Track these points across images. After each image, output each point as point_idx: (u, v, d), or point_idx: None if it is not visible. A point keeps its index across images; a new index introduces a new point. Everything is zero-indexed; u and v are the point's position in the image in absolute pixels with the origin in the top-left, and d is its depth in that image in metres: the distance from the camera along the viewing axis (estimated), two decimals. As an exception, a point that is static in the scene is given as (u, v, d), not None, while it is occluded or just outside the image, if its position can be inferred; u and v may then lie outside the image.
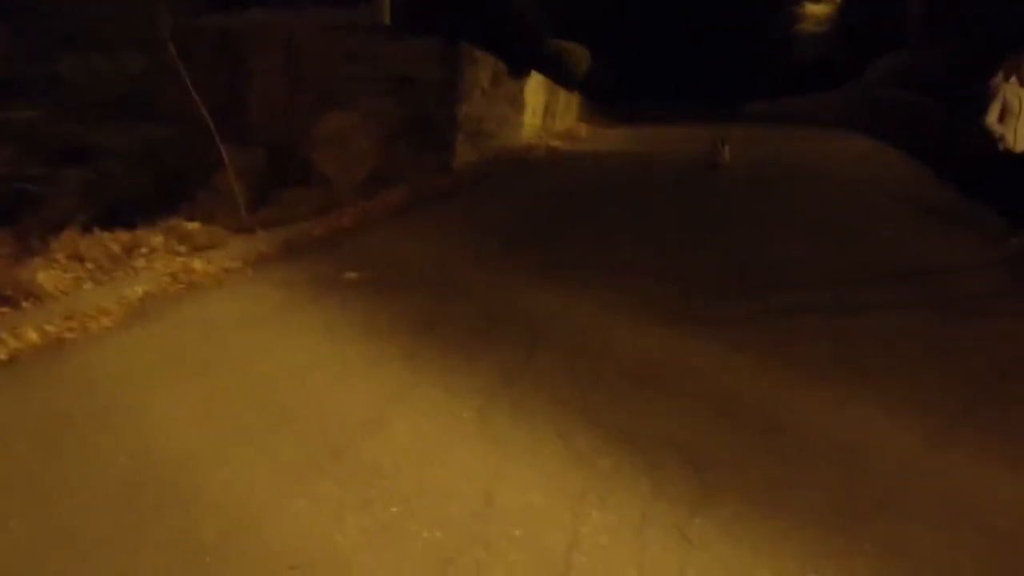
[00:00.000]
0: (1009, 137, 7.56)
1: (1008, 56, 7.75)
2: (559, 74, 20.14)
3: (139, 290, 6.61)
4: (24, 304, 6.14)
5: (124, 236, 7.51)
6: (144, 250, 7.38)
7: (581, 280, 7.13)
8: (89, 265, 6.91)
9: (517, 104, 17.14)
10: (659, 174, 14.35)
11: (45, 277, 6.47)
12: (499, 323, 5.89)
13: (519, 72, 16.64)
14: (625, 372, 4.97)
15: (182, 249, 7.63)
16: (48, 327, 5.65)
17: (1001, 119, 7.59)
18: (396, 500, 3.48)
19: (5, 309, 6.05)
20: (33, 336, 5.49)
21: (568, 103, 22.49)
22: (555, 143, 18.62)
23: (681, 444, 3.97)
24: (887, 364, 5.08)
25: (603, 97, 26.53)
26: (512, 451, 3.93)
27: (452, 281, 7.15)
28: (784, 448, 3.97)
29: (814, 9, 32.35)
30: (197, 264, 7.31)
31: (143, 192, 10.75)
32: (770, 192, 11.91)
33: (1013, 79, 7.60)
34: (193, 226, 8.13)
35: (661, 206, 10.99)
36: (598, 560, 3.04)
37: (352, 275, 7.24)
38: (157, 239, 7.63)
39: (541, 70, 18.45)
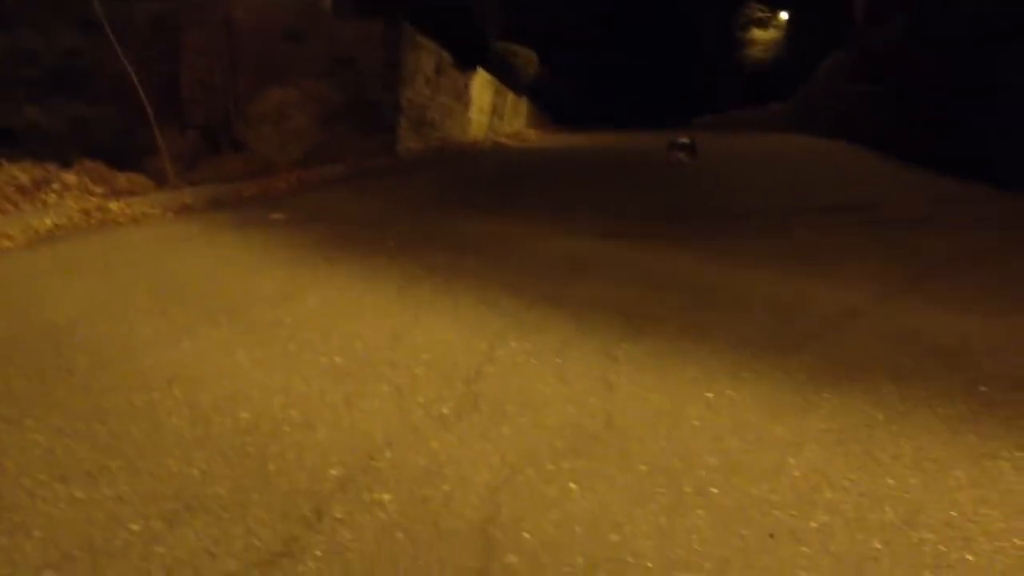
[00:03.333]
0: None
1: None
2: (505, 74, 19.97)
3: (47, 222, 6.14)
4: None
5: (35, 170, 6.95)
6: (56, 186, 6.86)
7: (519, 215, 6.86)
8: (-8, 196, 6.39)
9: (463, 98, 16.88)
10: (612, 161, 14.19)
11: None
12: (427, 239, 5.58)
13: (464, 65, 16.38)
14: (554, 264, 4.71)
15: (98, 190, 7.13)
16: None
17: None
18: (295, 341, 3.14)
19: None
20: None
21: (516, 107, 22.35)
22: (502, 140, 18.41)
23: (610, 301, 3.72)
24: (827, 255, 4.90)
25: (552, 107, 26.51)
26: (429, 309, 3.62)
27: (383, 219, 6.78)
28: (717, 303, 3.75)
29: (761, 35, 32.91)
30: (113, 205, 6.84)
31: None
32: (719, 170, 11.82)
33: None
34: (113, 171, 7.61)
35: (610, 178, 10.78)
36: (512, 371, 2.76)
37: (278, 215, 6.87)
38: (71, 177, 7.11)
39: (487, 67, 18.21)
